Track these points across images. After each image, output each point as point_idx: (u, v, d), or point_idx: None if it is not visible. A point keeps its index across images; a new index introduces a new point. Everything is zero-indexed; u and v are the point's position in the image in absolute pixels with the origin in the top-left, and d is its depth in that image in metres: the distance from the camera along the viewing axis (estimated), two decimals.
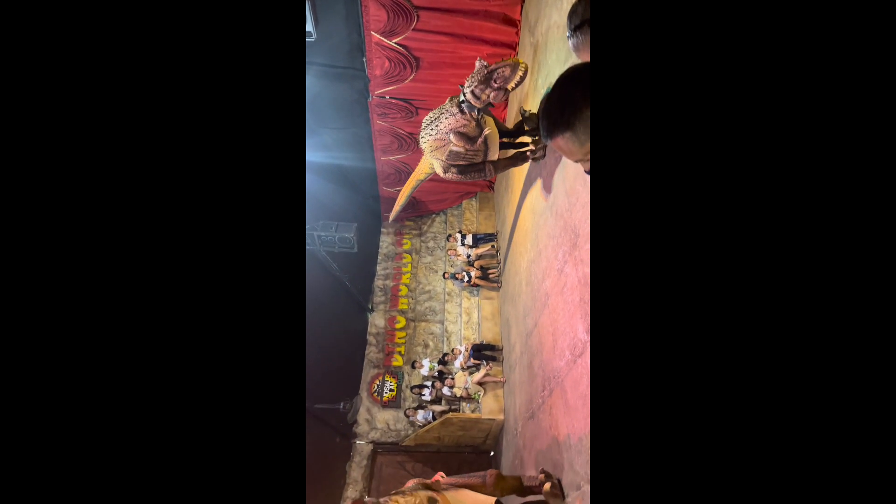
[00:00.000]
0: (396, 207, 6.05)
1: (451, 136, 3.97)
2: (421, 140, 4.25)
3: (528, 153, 4.31)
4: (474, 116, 3.87)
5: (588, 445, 2.61)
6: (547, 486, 2.88)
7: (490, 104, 3.80)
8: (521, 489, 2.93)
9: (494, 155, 4.21)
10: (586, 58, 0.90)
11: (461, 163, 4.20)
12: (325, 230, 6.19)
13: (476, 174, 4.33)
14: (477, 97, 3.71)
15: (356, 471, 6.78)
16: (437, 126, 4.04)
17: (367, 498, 2.43)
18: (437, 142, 4.11)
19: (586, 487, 2.57)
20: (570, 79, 0.76)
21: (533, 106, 4.94)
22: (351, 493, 6.55)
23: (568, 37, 0.89)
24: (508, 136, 4.42)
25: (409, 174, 8.50)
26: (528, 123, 4.32)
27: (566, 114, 0.75)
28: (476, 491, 2.80)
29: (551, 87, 0.79)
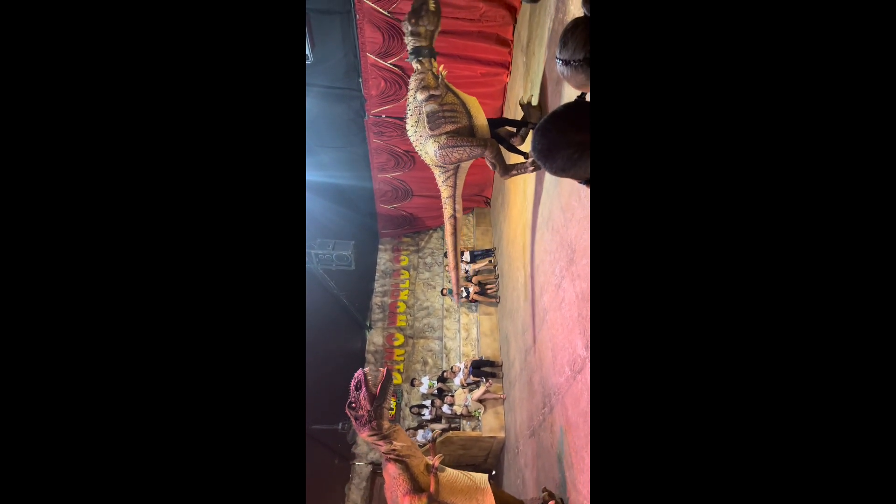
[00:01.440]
0: (454, 277, 5.47)
1: (418, 96, 3.82)
2: (410, 138, 4.12)
3: (528, 166, 4.25)
4: (426, 65, 3.77)
5: (586, 463, 2.58)
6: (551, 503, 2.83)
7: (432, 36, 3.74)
8: None
9: (481, 118, 4.01)
10: (574, 84, 0.92)
11: (447, 126, 3.91)
12: (322, 248, 6.20)
13: (470, 142, 3.95)
14: (417, 34, 3.64)
15: (355, 493, 6.64)
16: (410, 109, 3.98)
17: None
18: (414, 118, 3.95)
19: None
20: (561, 124, 0.78)
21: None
22: None
23: (558, 64, 0.91)
24: (507, 124, 4.36)
25: (405, 192, 8.58)
26: (530, 117, 4.28)
27: (563, 161, 0.77)
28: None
29: (544, 120, 0.81)
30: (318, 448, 6.20)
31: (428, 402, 6.90)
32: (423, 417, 6.85)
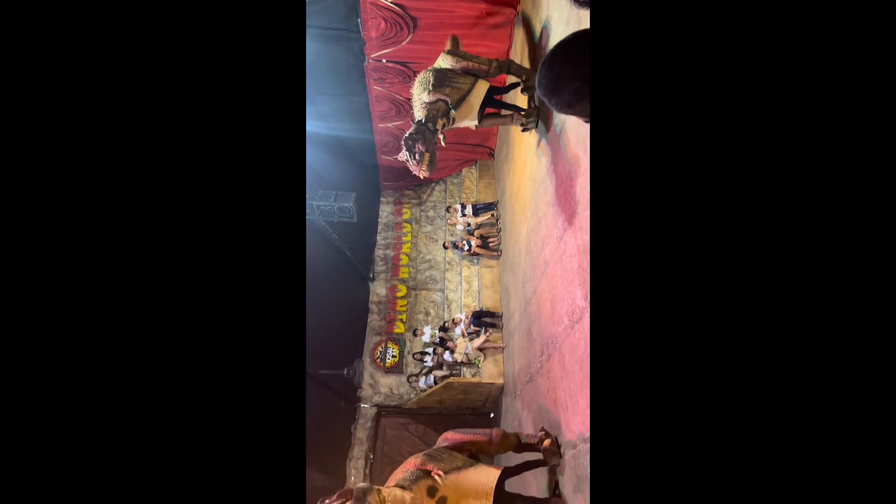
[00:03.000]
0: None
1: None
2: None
3: (519, 125, 4.22)
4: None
5: (583, 406, 2.71)
6: (547, 442, 3.01)
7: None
8: (518, 446, 3.06)
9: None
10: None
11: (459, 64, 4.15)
12: (323, 200, 6.16)
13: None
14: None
15: (361, 432, 7.06)
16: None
17: (360, 484, 2.41)
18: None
19: (582, 446, 2.69)
20: (568, 54, 0.74)
21: (526, 62, 4.79)
22: (357, 452, 6.85)
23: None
24: (501, 92, 4.32)
25: None
26: (525, 82, 4.20)
27: (570, 95, 0.74)
28: (482, 449, 2.89)
29: (551, 51, 0.77)
30: (325, 391, 6.53)
31: (430, 350, 7.16)
32: (426, 364, 7.14)
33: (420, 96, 4.06)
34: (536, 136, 4.57)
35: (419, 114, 4.04)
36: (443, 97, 3.98)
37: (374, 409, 7.28)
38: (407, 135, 3.93)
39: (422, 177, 4.11)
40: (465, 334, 6.84)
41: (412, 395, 7.18)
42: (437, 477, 2.48)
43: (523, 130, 4.24)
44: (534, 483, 3.86)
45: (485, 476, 2.62)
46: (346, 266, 7.67)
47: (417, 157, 3.88)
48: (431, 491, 2.43)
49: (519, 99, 4.86)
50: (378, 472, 6.78)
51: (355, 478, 6.62)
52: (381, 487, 2.32)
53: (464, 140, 8.04)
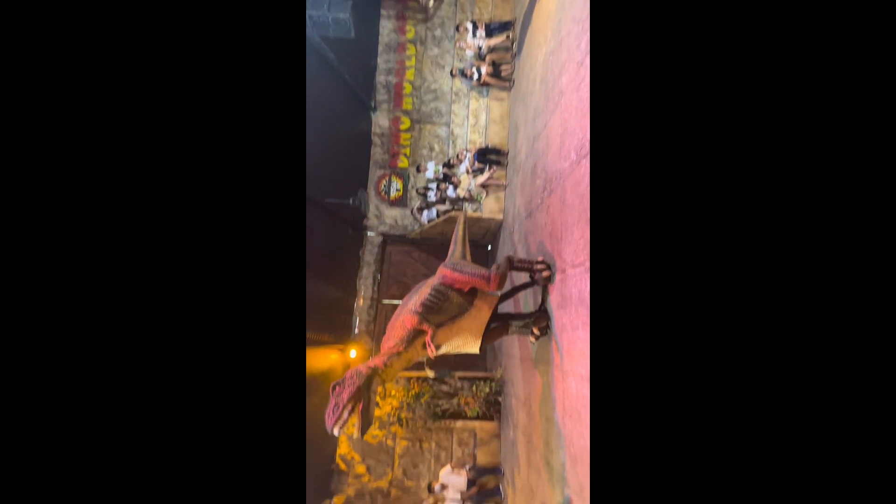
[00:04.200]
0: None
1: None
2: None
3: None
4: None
5: (578, 237, 2.86)
6: (546, 273, 3.28)
7: None
8: (513, 267, 3.35)
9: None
10: None
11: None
12: (316, 9, 5.36)
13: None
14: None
15: (369, 256, 7.68)
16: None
17: (359, 367, 2.42)
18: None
19: (570, 271, 2.93)
20: None
21: None
22: (365, 273, 7.58)
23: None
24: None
25: None
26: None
27: None
28: (478, 287, 3.10)
29: None
30: (333, 219, 6.86)
31: (433, 186, 7.24)
32: (429, 199, 7.31)
33: None
34: None
35: None
36: None
37: (380, 238, 7.77)
38: None
39: None
40: (470, 171, 6.81)
41: (416, 227, 7.57)
42: (429, 347, 2.72)
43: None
44: (521, 300, 4.37)
45: (477, 322, 2.93)
46: (345, 93, 7.15)
47: None
48: (427, 345, 2.73)
49: None
50: (385, 289, 7.63)
51: (364, 293, 7.48)
52: (380, 368, 2.50)
53: None
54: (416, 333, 2.74)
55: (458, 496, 5.76)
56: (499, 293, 3.25)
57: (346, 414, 2.17)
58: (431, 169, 7.46)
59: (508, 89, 6.82)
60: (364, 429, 2.24)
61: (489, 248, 7.63)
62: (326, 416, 2.18)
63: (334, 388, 2.28)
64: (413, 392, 6.49)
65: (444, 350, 2.88)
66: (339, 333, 6.90)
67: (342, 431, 2.20)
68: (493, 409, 6.25)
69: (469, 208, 6.95)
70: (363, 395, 2.25)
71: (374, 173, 7.92)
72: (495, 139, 6.88)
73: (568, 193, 3.17)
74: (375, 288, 7.59)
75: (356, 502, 6.48)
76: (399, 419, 6.49)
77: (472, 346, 2.98)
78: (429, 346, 2.73)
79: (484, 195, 6.69)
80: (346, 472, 6.59)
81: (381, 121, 8.00)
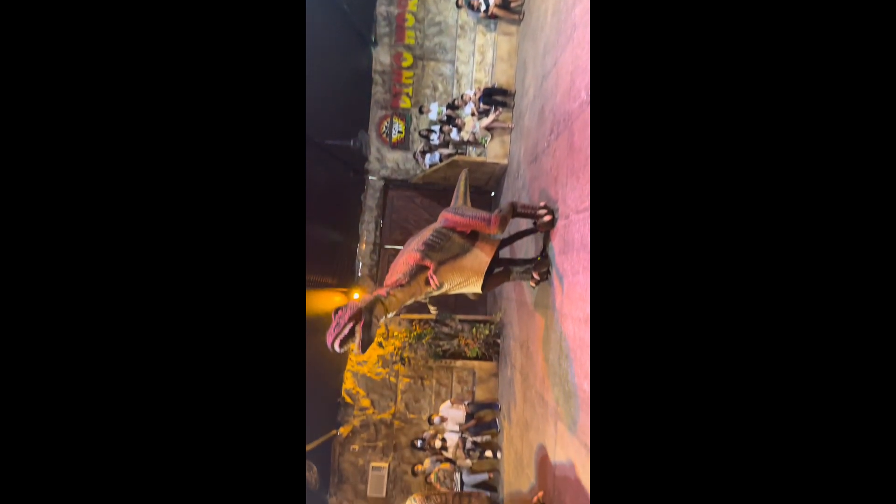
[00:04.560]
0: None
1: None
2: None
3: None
4: None
5: (583, 182, 2.80)
6: (547, 217, 3.26)
7: None
8: (515, 213, 3.32)
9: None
10: None
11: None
12: None
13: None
14: None
15: (371, 201, 7.62)
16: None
17: (364, 296, 2.45)
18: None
19: (573, 217, 2.91)
20: None
21: None
22: (367, 217, 7.56)
23: None
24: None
25: None
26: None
27: None
28: (479, 230, 3.11)
29: None
30: (334, 162, 6.72)
31: (436, 129, 7.00)
32: (432, 142, 7.10)
33: None
34: None
35: None
36: None
37: (382, 182, 7.65)
38: None
39: None
40: (475, 113, 6.55)
41: (418, 171, 7.42)
42: (432, 280, 2.75)
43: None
44: (522, 246, 4.38)
45: (478, 262, 2.96)
46: (342, 24, 6.71)
47: None
48: (429, 280, 2.76)
49: None
50: (387, 233, 7.64)
51: (367, 238, 7.50)
52: (382, 296, 2.52)
53: None
54: (419, 269, 2.80)
55: (457, 428, 6.16)
56: (500, 237, 3.25)
57: (346, 330, 2.26)
58: (435, 110, 7.17)
59: (518, 22, 6.38)
60: (365, 345, 2.31)
61: (493, 194, 7.53)
62: (328, 335, 2.28)
63: (336, 311, 2.37)
64: (415, 333, 6.71)
65: (445, 287, 2.94)
66: (343, 277, 7.01)
67: (343, 348, 2.30)
68: (491, 350, 6.49)
69: (473, 152, 6.76)
70: (364, 316, 2.33)
71: (376, 114, 7.64)
72: (502, 78, 6.55)
73: (576, 136, 3.06)
74: (378, 233, 7.60)
75: (362, 432, 6.95)
76: (402, 358, 6.77)
77: (474, 286, 3.04)
78: (431, 278, 2.79)
79: (489, 138, 6.49)
80: (352, 405, 7.00)
81: (382, 57, 7.58)
